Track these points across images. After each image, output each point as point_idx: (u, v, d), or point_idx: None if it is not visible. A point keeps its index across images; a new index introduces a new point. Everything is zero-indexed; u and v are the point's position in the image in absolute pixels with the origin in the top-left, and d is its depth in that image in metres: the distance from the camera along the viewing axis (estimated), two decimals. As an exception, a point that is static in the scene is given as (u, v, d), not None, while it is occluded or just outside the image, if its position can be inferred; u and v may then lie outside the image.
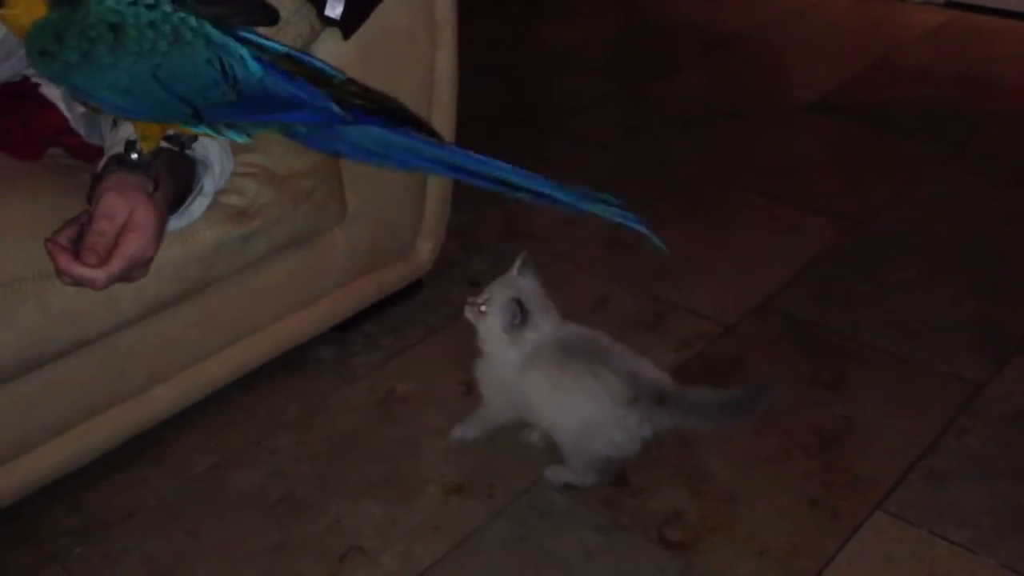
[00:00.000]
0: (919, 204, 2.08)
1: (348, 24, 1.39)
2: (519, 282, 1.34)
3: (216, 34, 0.92)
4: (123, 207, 1.00)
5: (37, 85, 1.25)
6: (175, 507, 1.35)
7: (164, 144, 1.06)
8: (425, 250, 1.70)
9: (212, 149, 1.21)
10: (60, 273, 0.99)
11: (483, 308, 1.32)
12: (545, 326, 1.32)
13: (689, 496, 1.36)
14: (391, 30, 1.47)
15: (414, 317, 1.72)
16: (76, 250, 0.99)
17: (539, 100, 2.68)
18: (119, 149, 1.04)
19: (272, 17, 1.04)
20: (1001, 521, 1.30)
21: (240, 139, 1.02)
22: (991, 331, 1.68)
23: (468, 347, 1.65)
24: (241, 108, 0.95)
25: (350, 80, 1.01)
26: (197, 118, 0.96)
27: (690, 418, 1.29)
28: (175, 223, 1.17)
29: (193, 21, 0.91)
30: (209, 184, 1.22)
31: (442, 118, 1.62)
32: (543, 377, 1.30)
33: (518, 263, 1.35)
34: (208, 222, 1.27)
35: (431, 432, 1.47)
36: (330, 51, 1.41)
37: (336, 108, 0.97)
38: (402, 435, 1.47)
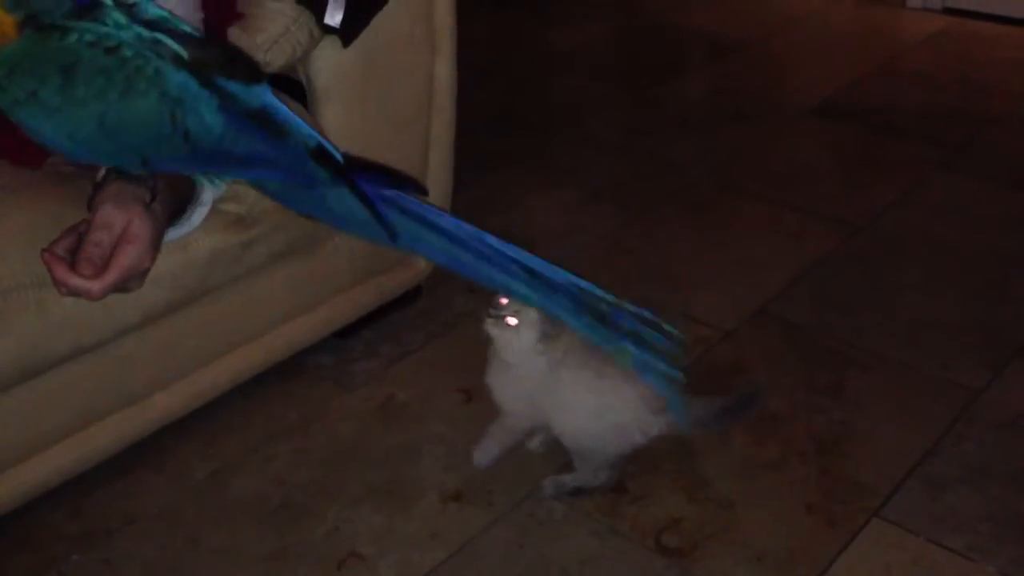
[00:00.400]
0: (920, 208, 2.08)
1: (347, 32, 1.40)
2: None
3: (176, 84, 0.87)
4: (120, 218, 1.00)
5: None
6: (175, 514, 1.36)
7: None
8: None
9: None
10: (56, 283, 0.99)
11: (511, 320, 1.27)
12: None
13: (687, 503, 1.36)
14: (390, 37, 1.47)
15: (413, 324, 1.72)
16: (73, 260, 0.99)
17: (541, 103, 2.68)
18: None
19: (251, 76, 0.94)
20: (998, 527, 1.30)
21: (211, 186, 1.01)
22: (990, 336, 1.68)
23: (467, 354, 1.65)
24: (196, 162, 0.92)
25: (321, 145, 0.93)
26: (146, 166, 0.93)
27: (692, 424, 1.29)
28: (174, 233, 1.17)
29: (151, 70, 0.86)
30: (208, 193, 1.22)
31: (442, 123, 1.63)
32: (576, 380, 1.29)
33: None
34: (207, 230, 1.27)
35: (430, 439, 1.47)
36: (330, 59, 1.41)
37: (314, 167, 0.90)
38: (401, 442, 1.47)
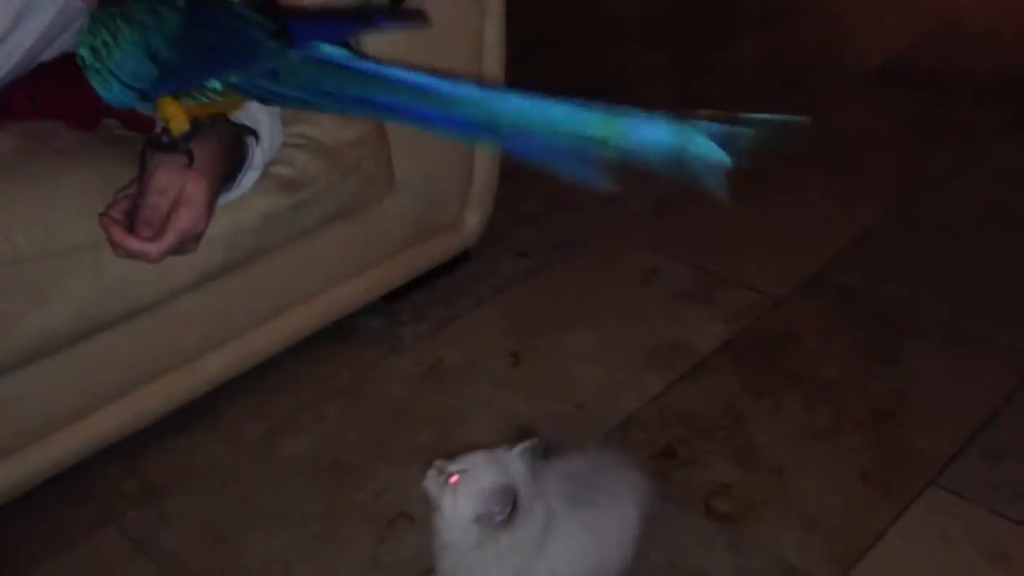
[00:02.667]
0: (981, 174, 2.03)
1: (396, -7, 1.39)
2: (511, 465, 1.01)
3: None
4: (174, 182, 1.02)
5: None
6: (228, 472, 1.38)
7: (207, 121, 1.05)
8: (473, 221, 1.70)
9: (262, 122, 1.22)
10: (115, 247, 1.01)
11: (453, 479, 0.99)
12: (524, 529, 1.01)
13: (738, 469, 1.35)
14: (438, 0, 1.46)
15: (462, 288, 1.72)
16: (130, 224, 1.01)
17: (592, 70, 2.65)
18: (158, 130, 1.06)
19: None
20: (1059, 498, 1.27)
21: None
22: (1053, 304, 1.63)
23: (516, 317, 1.66)
24: (171, 79, 0.95)
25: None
26: (145, 99, 0.97)
27: None
28: (226, 196, 1.18)
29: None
30: (259, 157, 1.23)
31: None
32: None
33: (521, 448, 1.02)
34: (258, 193, 1.28)
35: (479, 402, 1.47)
36: (378, 21, 1.41)
37: (263, 38, 0.90)
38: (450, 404, 1.48)
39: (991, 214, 1.88)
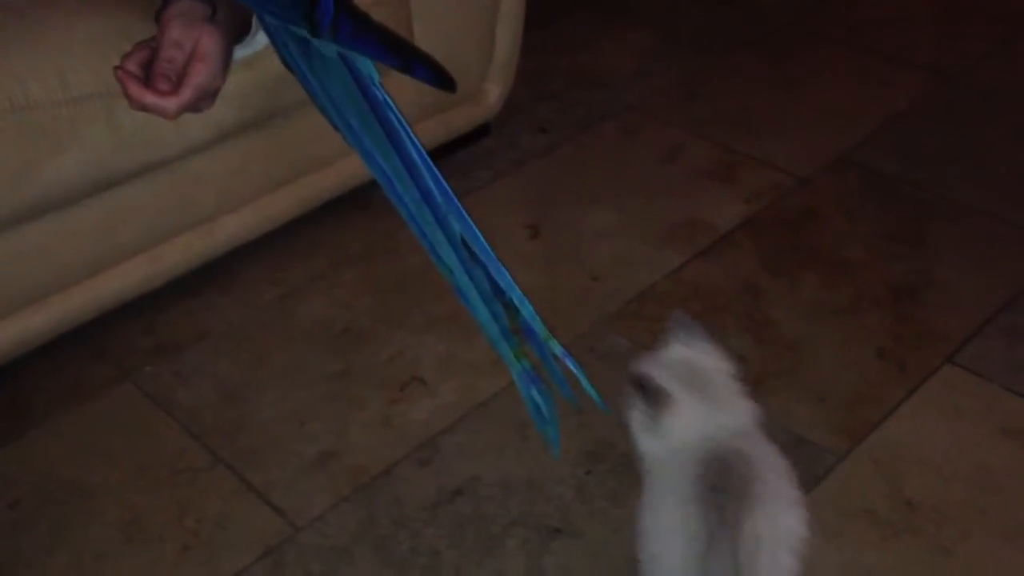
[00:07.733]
0: (1017, 58, 1.96)
1: None
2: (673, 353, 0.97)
3: None
4: (189, 37, 0.99)
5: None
6: (243, 333, 1.38)
7: None
8: (494, 93, 1.66)
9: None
10: (130, 100, 0.99)
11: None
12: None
13: (752, 343, 1.34)
14: None
15: (481, 161, 1.70)
16: (145, 76, 0.99)
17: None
18: None
19: None
20: (1078, 378, 1.26)
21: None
22: (1086, 190, 1.59)
23: (533, 192, 1.64)
24: None
25: None
26: None
27: None
28: (240, 53, 1.16)
29: None
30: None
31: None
32: None
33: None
34: (273, 51, 1.25)
35: (494, 272, 1.46)
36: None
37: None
38: (465, 275, 1.47)
39: (1026, 99, 1.83)
